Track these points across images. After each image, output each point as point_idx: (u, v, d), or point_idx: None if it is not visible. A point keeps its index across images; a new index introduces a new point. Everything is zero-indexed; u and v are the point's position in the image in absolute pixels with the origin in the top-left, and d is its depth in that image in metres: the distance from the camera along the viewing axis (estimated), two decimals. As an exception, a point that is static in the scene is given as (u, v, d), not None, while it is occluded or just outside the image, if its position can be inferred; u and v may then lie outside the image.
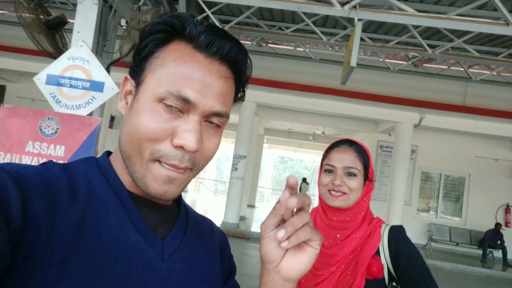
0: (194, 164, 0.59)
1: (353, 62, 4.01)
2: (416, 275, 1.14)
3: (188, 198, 16.72)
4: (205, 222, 0.76)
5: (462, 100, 9.11)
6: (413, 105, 9.14)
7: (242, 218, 11.66)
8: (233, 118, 13.75)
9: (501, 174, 11.55)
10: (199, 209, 13.88)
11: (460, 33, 6.52)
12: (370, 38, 7.18)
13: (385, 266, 1.16)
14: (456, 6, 5.39)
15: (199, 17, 6.96)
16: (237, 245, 8.54)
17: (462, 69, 8.23)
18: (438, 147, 11.38)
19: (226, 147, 24.54)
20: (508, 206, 11.49)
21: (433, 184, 12.06)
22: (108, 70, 4.38)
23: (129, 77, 0.62)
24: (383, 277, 1.16)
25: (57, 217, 0.50)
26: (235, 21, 6.99)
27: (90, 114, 3.83)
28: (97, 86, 3.68)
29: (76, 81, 3.56)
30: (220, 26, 5.89)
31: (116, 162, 0.62)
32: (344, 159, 1.23)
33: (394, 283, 1.18)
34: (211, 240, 0.73)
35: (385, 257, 1.18)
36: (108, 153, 0.66)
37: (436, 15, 4.27)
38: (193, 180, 21.74)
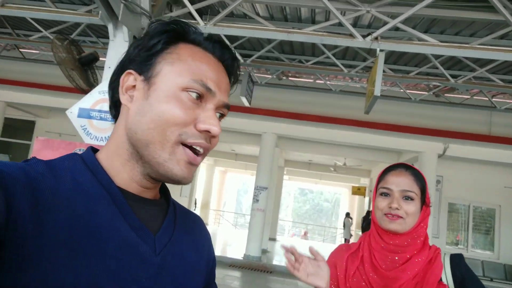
0: (210, 148, 0.64)
1: (377, 92, 4.03)
2: None
3: (209, 230, 16.54)
4: (193, 217, 0.78)
5: (488, 130, 8.92)
6: (436, 135, 9.00)
7: (264, 251, 11.44)
8: (254, 150, 13.85)
9: (533, 205, 11.06)
10: (220, 241, 13.70)
11: (482, 63, 6.50)
12: (390, 69, 7.22)
13: None
14: (477, 37, 5.41)
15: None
16: (260, 278, 8.35)
17: (486, 98, 8.12)
18: (465, 177, 11.05)
19: (246, 179, 24.47)
20: (543, 239, 10.90)
21: (460, 216, 11.62)
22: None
23: (133, 72, 0.64)
24: None
25: (44, 214, 0.50)
26: (256, 55, 7.18)
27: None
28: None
29: (106, 113, 3.70)
30: (242, 60, 6.04)
31: (112, 159, 0.63)
32: (401, 182, 1.21)
33: None
34: (198, 235, 0.75)
35: (448, 285, 1.15)
36: (94, 150, 0.66)
37: (459, 44, 4.29)
38: (213, 213, 21.68)
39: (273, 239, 15.55)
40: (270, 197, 11.87)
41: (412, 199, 1.19)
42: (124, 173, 0.62)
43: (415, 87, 8.75)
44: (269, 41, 6.90)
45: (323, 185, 26.45)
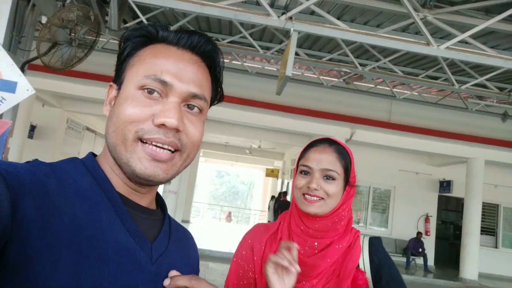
0: (182, 145, 0.61)
1: (289, 72, 4.03)
2: None
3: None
4: (183, 231, 0.79)
5: (388, 117, 9.72)
6: (344, 120, 9.55)
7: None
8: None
9: (421, 186, 12.48)
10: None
11: (387, 53, 6.96)
12: (305, 54, 7.39)
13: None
14: (382, 27, 5.75)
15: (132, 23, 6.66)
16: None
17: (388, 88, 8.79)
18: (367, 161, 12.00)
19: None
20: (427, 216, 12.40)
21: (363, 197, 12.65)
22: (23, 69, 3.94)
23: (112, 84, 0.67)
24: None
25: (49, 215, 0.51)
26: (172, 27, 6.78)
27: (0, 116, 3.40)
28: (8, 86, 3.26)
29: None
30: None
31: (104, 163, 0.64)
32: (323, 160, 1.09)
33: None
34: (188, 248, 0.77)
35: (365, 270, 1.08)
36: (94, 155, 0.67)
37: (367, 31, 4.48)
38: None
39: (186, 221, 15.36)
40: (184, 179, 11.64)
41: (333, 178, 1.08)
42: (116, 177, 0.63)
43: (327, 73, 9.11)
44: (185, 15, 6.56)
45: (239, 167, 26.80)
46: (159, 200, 0.74)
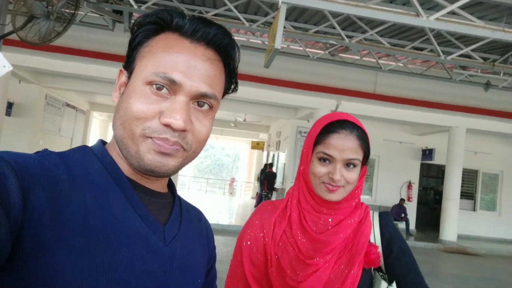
0: (187, 144, 0.60)
1: (277, 45, 3.95)
2: (407, 265, 1.06)
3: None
4: (194, 211, 0.78)
5: (373, 88, 9.76)
6: (330, 92, 9.55)
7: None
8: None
9: (405, 155, 12.78)
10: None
11: (373, 25, 6.89)
12: (291, 26, 7.25)
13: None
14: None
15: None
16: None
17: (374, 60, 8.77)
18: (352, 132, 12.11)
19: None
20: (410, 183, 12.78)
21: (347, 167, 12.87)
22: (-2, 45, 3.74)
23: (123, 69, 0.65)
24: (372, 267, 1.06)
25: (60, 204, 0.51)
26: (151, 1, 6.53)
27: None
28: (-18, 63, 3.09)
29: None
30: (145, 8, 5.40)
31: (112, 151, 0.64)
32: (346, 149, 1.03)
33: (380, 273, 1.07)
34: (200, 228, 0.76)
35: (376, 244, 1.07)
36: (103, 143, 0.66)
37: (356, 3, 4.40)
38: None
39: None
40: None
41: (355, 166, 1.05)
42: (124, 164, 0.62)
43: (313, 45, 9.01)
44: (166, -15, 6.29)
45: (224, 140, 26.76)
46: (169, 183, 0.73)
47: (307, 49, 8.64)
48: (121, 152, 0.61)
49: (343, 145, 1.03)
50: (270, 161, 15.67)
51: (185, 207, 0.74)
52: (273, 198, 13.37)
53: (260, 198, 13.32)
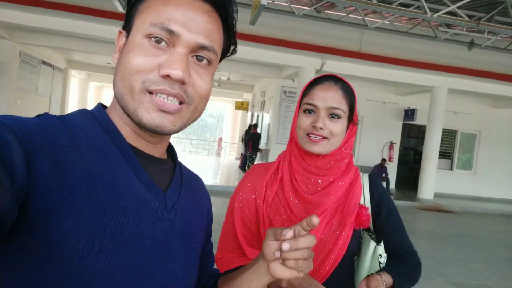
0: (188, 97, 0.60)
1: (264, 1, 3.82)
2: (395, 224, 1.12)
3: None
4: (194, 177, 0.79)
5: (358, 47, 9.66)
6: (315, 50, 9.41)
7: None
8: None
9: (387, 115, 12.94)
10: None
11: (360, -21, 6.69)
12: (276, -21, 6.99)
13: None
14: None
15: None
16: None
17: (360, 17, 8.61)
18: (336, 92, 12.12)
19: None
20: (391, 143, 13.04)
21: (331, 127, 12.98)
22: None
23: (122, 30, 0.64)
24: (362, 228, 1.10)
25: (64, 169, 0.51)
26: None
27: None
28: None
29: None
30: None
31: (113, 114, 0.64)
32: (329, 98, 1.06)
33: (368, 233, 1.11)
34: (200, 195, 0.78)
35: (366, 206, 1.11)
36: (103, 107, 0.66)
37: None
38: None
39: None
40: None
41: (339, 117, 1.06)
42: (127, 128, 0.63)
43: (298, 1, 8.74)
44: None
45: (207, 101, 26.38)
46: (170, 149, 0.74)
47: (292, 5, 8.40)
48: (122, 110, 0.61)
49: (325, 94, 1.07)
50: (254, 121, 15.66)
51: (185, 174, 0.75)
52: (258, 158, 13.50)
53: (245, 159, 13.43)
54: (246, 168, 13.25)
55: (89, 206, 0.52)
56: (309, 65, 9.78)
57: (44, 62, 12.40)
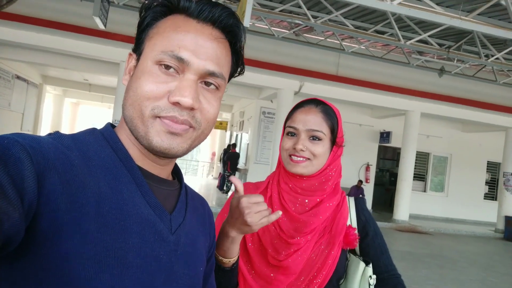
0: (196, 122, 0.61)
1: (246, 23, 3.91)
2: (380, 247, 1.14)
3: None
4: (199, 199, 0.80)
5: (336, 70, 9.93)
6: (294, 72, 9.60)
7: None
8: (111, 80, 12.61)
9: (364, 137, 13.22)
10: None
11: (338, 6, 6.96)
12: (257, 3, 7.16)
13: None
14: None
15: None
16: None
17: (337, 41, 8.89)
18: (314, 113, 12.31)
19: (103, 113, 22.61)
20: (368, 165, 13.28)
21: (308, 148, 13.13)
22: None
23: (132, 52, 0.66)
24: (347, 249, 1.12)
25: (75, 189, 0.51)
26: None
27: None
28: None
29: None
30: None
31: (122, 134, 0.64)
32: (308, 120, 1.09)
33: (355, 255, 1.14)
34: (204, 217, 0.78)
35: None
36: (112, 126, 0.67)
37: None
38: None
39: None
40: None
41: (320, 139, 1.08)
42: (135, 149, 0.63)
43: (278, 24, 8.97)
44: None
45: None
46: (175, 170, 0.75)
47: (272, 28, 8.60)
48: (131, 132, 0.62)
49: (306, 117, 1.10)
50: (233, 141, 15.66)
51: (190, 195, 0.75)
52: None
53: (223, 179, 13.34)
54: (224, 188, 13.15)
55: (96, 226, 0.52)
56: (288, 87, 9.95)
57: (18, 77, 12.12)
